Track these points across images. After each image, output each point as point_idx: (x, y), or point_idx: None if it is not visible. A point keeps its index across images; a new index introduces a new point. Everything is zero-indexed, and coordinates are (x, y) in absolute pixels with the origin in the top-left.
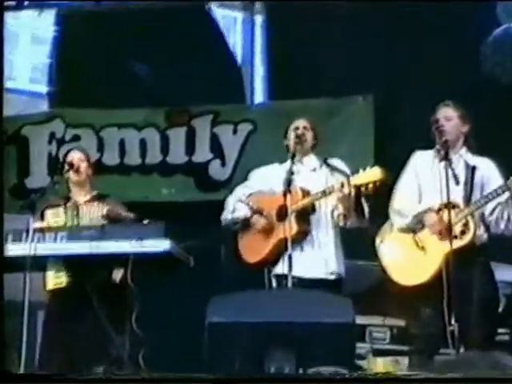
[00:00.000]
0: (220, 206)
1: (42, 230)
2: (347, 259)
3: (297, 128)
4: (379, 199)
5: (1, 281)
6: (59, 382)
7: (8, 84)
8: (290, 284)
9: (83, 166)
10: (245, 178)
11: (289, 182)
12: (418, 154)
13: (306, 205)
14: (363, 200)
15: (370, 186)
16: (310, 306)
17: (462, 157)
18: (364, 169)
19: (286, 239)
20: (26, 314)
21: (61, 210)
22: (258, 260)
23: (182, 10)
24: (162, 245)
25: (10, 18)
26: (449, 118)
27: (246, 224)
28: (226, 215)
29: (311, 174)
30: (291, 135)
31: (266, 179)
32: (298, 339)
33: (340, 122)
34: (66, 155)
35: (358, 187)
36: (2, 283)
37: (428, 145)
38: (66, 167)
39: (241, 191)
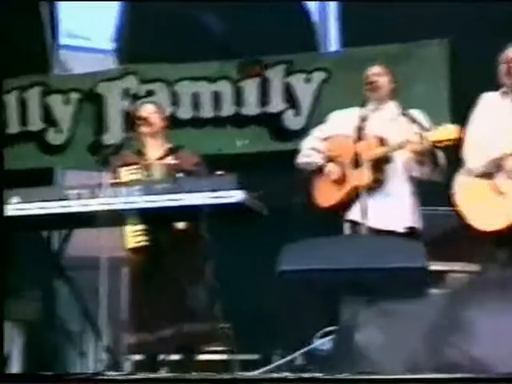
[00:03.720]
0: (294, 155)
1: (116, 185)
2: (422, 206)
3: (369, 75)
4: (455, 153)
5: None
6: (57, 382)
7: (82, 43)
8: (363, 231)
9: (156, 118)
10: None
11: (363, 130)
12: (486, 96)
13: (381, 154)
14: (438, 155)
15: (446, 143)
16: (381, 251)
17: None
18: (441, 125)
19: (359, 187)
20: (104, 269)
21: (135, 167)
22: (331, 205)
23: None
24: (235, 196)
25: None
26: None
27: (319, 170)
28: (300, 159)
29: (388, 123)
30: (365, 82)
31: (343, 124)
32: (371, 285)
33: (415, 67)
34: (138, 109)
35: (433, 142)
36: None
37: None
38: (139, 121)
39: (316, 134)
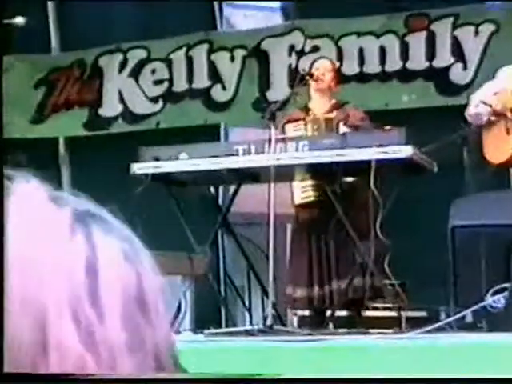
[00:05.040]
0: (462, 110)
1: (283, 141)
2: None
3: None
4: None
5: None
6: (56, 382)
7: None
8: None
9: (327, 75)
10: (487, 81)
11: None
12: None
13: None
14: None
15: None
16: None
17: None
18: None
19: None
20: (272, 225)
21: (302, 123)
22: (503, 161)
23: None
24: (403, 151)
25: None
26: None
27: (489, 125)
28: (469, 113)
29: None
30: None
31: None
32: None
33: None
34: (310, 65)
35: None
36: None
37: None
38: (309, 77)
39: (486, 88)
